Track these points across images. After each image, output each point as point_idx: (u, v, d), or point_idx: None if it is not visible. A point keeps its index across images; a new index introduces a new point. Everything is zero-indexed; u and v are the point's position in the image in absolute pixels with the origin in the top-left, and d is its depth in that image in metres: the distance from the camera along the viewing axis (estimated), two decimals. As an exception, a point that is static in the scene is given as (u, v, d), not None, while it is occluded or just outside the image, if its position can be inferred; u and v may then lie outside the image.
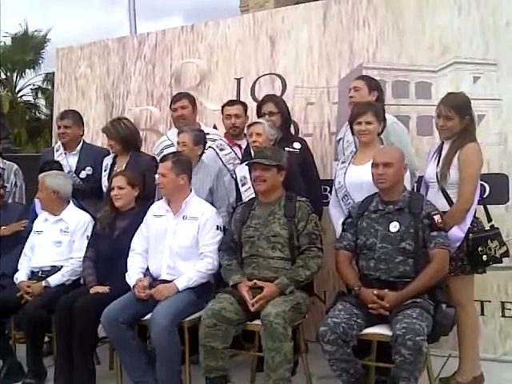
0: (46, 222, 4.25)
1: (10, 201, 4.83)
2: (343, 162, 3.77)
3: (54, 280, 4.00)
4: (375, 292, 3.18)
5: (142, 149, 4.79)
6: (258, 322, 3.32)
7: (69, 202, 4.29)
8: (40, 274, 4.09)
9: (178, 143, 4.11)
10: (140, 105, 5.62)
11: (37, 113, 24.31)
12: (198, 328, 3.36)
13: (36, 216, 4.54)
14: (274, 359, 3.16)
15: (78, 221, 4.15)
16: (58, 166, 4.51)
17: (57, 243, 4.14)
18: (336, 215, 3.78)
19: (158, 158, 4.10)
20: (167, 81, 5.52)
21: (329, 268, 4.04)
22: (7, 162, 5.16)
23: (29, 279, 4.10)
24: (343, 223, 3.51)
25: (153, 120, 5.55)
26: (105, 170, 4.51)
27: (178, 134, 4.19)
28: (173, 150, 4.33)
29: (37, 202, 4.60)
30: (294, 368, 3.46)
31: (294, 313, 3.32)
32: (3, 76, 22.56)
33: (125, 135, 4.43)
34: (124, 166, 4.39)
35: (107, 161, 4.56)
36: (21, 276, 4.12)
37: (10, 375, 4.02)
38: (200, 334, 3.31)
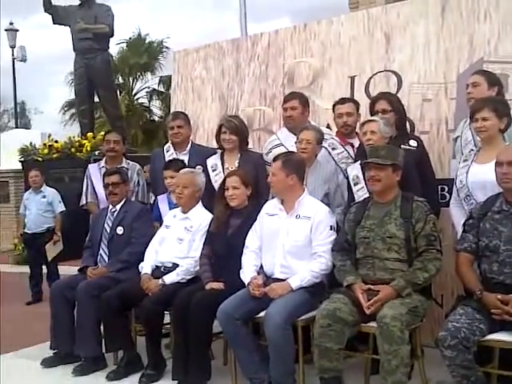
0: (175, 218, 4.35)
1: (133, 199, 5.03)
2: (465, 161, 3.62)
3: (169, 278, 4.10)
4: (499, 297, 3.02)
5: (256, 149, 4.84)
6: (373, 323, 3.26)
7: (198, 201, 4.36)
8: (162, 270, 4.22)
9: (301, 141, 4.09)
10: (253, 105, 5.68)
11: (151, 115, 25.36)
12: (310, 327, 3.36)
13: (159, 212, 4.72)
14: (391, 363, 3.08)
15: (201, 221, 4.21)
16: (183, 165, 4.59)
17: (179, 240, 4.23)
18: (457, 215, 3.64)
19: (268, 158, 4.13)
20: (280, 81, 5.55)
21: (447, 271, 3.89)
22: (131, 163, 5.41)
23: (152, 271, 4.24)
24: (464, 224, 3.37)
25: (266, 120, 5.58)
26: (214, 170, 4.53)
27: (301, 131, 4.15)
28: (282, 149, 4.34)
29: (160, 197, 4.78)
30: (409, 372, 3.36)
31: (411, 316, 3.22)
32: (121, 80, 23.71)
33: (243, 131, 4.53)
34: (236, 163, 4.45)
35: (214, 160, 4.58)
36: (145, 268, 4.26)
37: (129, 366, 4.19)
38: (314, 334, 3.30)
